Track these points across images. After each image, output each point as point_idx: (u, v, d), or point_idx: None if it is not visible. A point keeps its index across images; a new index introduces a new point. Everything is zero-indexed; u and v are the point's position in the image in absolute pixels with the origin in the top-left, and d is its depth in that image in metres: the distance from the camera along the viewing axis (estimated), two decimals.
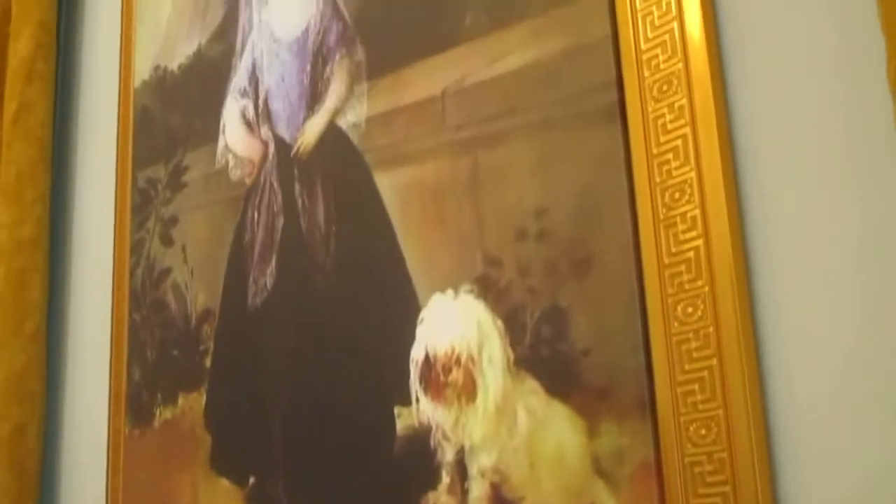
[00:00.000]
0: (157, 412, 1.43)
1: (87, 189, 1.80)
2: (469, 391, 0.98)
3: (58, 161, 1.85)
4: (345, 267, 1.16)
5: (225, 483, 1.29)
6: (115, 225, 1.63)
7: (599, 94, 0.92)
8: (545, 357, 0.91)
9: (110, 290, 1.61)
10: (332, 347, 1.15)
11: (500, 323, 0.96)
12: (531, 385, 0.92)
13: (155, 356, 1.46)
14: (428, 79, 1.09)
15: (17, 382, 1.70)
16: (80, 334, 1.75)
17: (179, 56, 1.54)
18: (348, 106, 1.19)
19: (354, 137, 1.18)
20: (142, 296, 1.52)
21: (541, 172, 0.95)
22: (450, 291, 1.02)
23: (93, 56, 1.86)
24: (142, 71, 1.63)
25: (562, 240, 0.92)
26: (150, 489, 1.44)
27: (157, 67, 1.59)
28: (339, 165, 1.19)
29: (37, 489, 1.69)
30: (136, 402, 1.49)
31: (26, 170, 1.80)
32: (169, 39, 1.58)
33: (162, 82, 1.58)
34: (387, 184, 1.12)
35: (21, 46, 1.87)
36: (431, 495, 1.01)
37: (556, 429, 0.90)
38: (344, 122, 1.19)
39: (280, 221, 1.26)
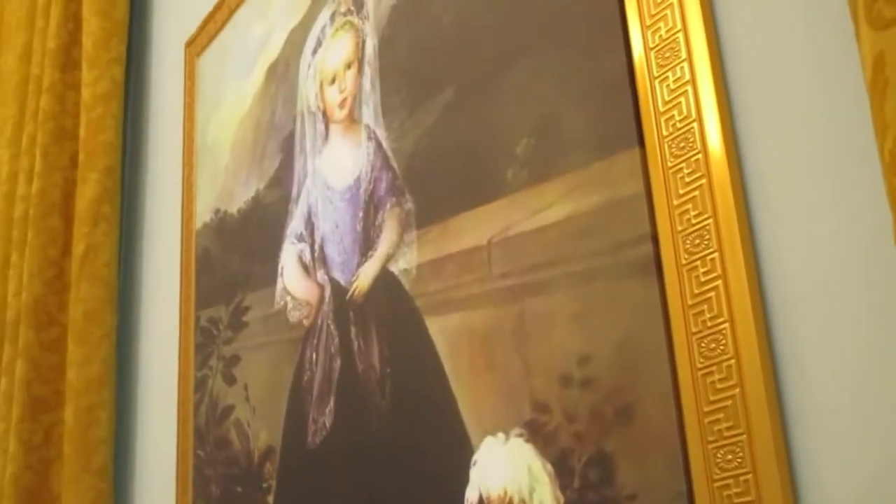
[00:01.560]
0: None
1: (151, 327, 1.89)
2: None
3: (123, 300, 1.95)
4: (400, 408, 1.22)
5: None
6: (178, 362, 1.72)
7: (635, 247, 0.98)
8: (593, 502, 0.96)
9: (175, 426, 1.69)
10: (390, 486, 1.21)
11: (549, 467, 1.01)
12: None
13: (219, 492, 1.53)
14: (474, 228, 1.16)
15: None
16: (147, 470, 1.82)
17: (238, 201, 1.64)
18: (399, 252, 1.26)
19: (406, 283, 1.25)
20: (206, 432, 1.59)
21: (583, 321, 1.01)
22: (500, 435, 1.07)
23: (156, 200, 1.98)
24: (202, 214, 1.74)
25: (605, 387, 0.97)
26: None
27: (217, 211, 1.69)
28: (392, 309, 1.26)
29: None
30: None
31: (93, 309, 1.91)
32: (228, 185, 1.68)
33: (222, 225, 1.68)
34: (437, 328, 1.19)
35: (88, 191, 1.99)
36: None
37: None
38: (396, 268, 1.27)
39: (337, 362, 1.33)
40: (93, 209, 1.98)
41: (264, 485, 1.42)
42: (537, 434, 1.03)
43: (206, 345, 1.64)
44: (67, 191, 2.08)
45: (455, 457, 1.12)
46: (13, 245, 2.16)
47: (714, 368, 0.89)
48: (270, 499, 1.41)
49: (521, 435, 1.05)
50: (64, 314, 1.97)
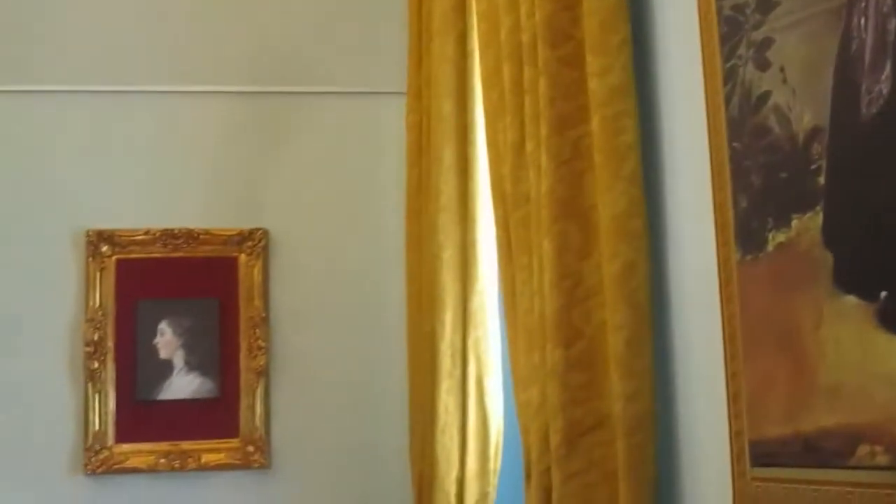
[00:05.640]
0: (770, 237, 1.51)
1: (667, 27, 1.90)
2: None
3: (634, 6, 1.97)
4: None
5: (851, 300, 1.33)
6: (701, 57, 1.71)
7: None
8: None
9: (703, 122, 1.70)
10: None
11: None
12: None
13: (761, 181, 1.53)
14: None
15: (622, 222, 1.88)
16: (676, 173, 1.88)
17: None
18: None
19: None
20: (740, 123, 1.59)
21: None
22: None
23: None
24: None
25: None
26: (767, 314, 1.53)
27: None
28: None
29: (650, 321, 1.87)
30: (744, 229, 1.58)
31: (606, 18, 1.95)
32: None
33: None
34: None
35: None
36: None
37: None
38: None
39: (892, 22, 1.25)
40: None
41: (813, 166, 1.40)
42: None
43: (731, 34, 1.61)
44: None
45: None
46: None
47: None
48: (821, 179, 1.39)
49: None
50: (578, 28, 2.02)
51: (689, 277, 1.85)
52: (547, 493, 2.00)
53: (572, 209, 2.01)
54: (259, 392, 3.65)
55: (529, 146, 2.15)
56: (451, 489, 3.08)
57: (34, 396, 3.54)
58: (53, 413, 3.55)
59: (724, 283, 1.65)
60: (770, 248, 1.51)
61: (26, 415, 3.52)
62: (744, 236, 1.58)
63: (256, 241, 3.71)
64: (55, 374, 3.56)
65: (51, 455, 3.53)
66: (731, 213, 1.62)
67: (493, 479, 3.08)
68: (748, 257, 1.57)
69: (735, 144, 1.60)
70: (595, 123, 1.95)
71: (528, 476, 2.14)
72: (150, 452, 3.58)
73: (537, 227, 2.09)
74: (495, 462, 3.07)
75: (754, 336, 1.57)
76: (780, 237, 1.49)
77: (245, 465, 3.60)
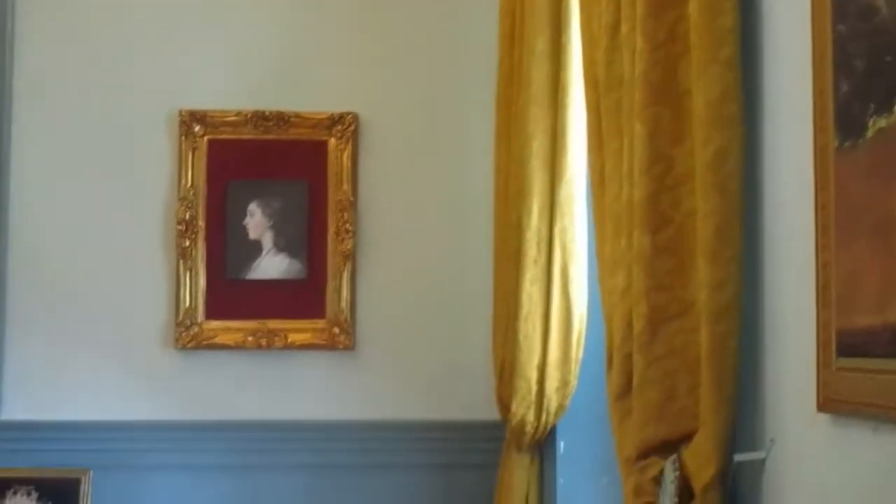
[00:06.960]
0: (870, 123, 1.47)
1: None
2: None
3: None
4: None
5: None
6: None
7: None
8: None
9: (807, 3, 1.65)
10: None
11: None
12: None
13: (864, 66, 1.49)
14: None
15: (716, 107, 1.84)
16: (776, 55, 1.83)
17: None
18: None
19: None
20: (845, 4, 1.54)
21: None
22: None
23: None
24: None
25: None
26: (862, 203, 1.50)
27: None
28: None
29: (740, 209, 1.84)
30: (844, 115, 1.54)
31: None
32: None
33: None
34: None
35: None
36: None
37: None
38: None
39: None
40: None
41: None
42: None
43: None
44: None
45: None
46: None
47: None
48: None
49: None
50: None
51: (784, 165, 1.82)
52: (628, 377, 2.02)
53: (666, 93, 1.97)
54: (346, 275, 3.72)
55: (625, 28, 2.11)
56: (532, 376, 3.12)
57: (128, 272, 3.66)
58: (146, 289, 3.67)
59: (820, 171, 1.61)
60: (870, 134, 1.47)
61: (120, 290, 3.65)
62: (843, 122, 1.54)
63: (346, 125, 3.74)
64: (148, 251, 3.67)
65: (143, 329, 3.66)
66: (830, 99, 1.58)
67: (575, 368, 3.11)
68: (846, 144, 1.53)
69: (840, 27, 1.55)
70: (692, 5, 1.90)
71: (609, 361, 2.15)
72: (239, 330, 3.69)
73: (629, 112, 2.06)
74: (577, 351, 3.10)
75: (848, 225, 1.54)
76: (881, 123, 1.44)
77: (330, 345, 3.69)
